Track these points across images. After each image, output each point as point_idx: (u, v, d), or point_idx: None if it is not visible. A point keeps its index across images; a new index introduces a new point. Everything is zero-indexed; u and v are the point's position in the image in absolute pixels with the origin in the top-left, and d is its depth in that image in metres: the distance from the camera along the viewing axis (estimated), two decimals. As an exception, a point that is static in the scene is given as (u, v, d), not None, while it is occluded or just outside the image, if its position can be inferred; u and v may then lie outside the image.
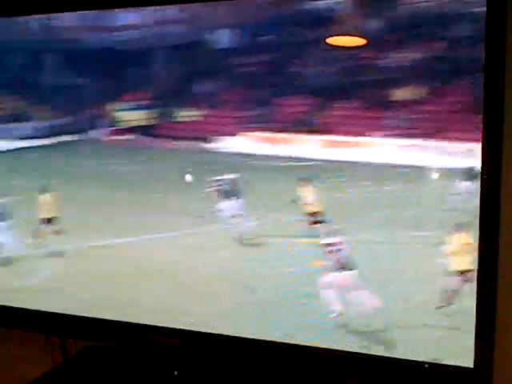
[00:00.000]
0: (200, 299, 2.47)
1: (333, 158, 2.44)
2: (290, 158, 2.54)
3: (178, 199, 2.62)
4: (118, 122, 2.75)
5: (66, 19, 2.67)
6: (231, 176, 2.50)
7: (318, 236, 2.34)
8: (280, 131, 2.55)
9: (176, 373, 2.50)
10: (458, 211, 2.13)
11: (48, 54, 2.79)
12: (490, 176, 1.99)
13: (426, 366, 2.14)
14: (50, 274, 2.74)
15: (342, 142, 2.47)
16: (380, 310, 2.22)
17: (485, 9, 1.96)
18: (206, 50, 2.55)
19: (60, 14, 2.63)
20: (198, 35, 2.56)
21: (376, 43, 2.24)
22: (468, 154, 2.05)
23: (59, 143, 2.90)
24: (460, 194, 2.12)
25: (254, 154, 2.61)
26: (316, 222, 2.40)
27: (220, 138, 2.66)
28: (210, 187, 2.53)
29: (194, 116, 2.61)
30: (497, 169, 2.00)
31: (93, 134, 2.80)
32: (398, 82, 2.25)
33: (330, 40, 2.28)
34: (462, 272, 2.08)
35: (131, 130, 2.76)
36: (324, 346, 2.26)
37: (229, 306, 2.44)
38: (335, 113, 2.47)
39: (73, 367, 2.79)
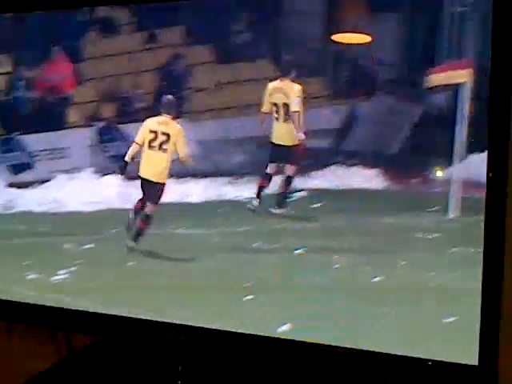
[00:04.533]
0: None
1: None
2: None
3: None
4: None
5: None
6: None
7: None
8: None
9: (180, 368, 2.51)
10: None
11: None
12: (495, 174, 1.98)
13: (430, 363, 2.13)
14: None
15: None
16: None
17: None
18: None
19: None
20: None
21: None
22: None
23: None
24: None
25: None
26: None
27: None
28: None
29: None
30: (503, 167, 1.98)
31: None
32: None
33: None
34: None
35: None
36: (326, 343, 2.26)
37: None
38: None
39: (77, 362, 2.80)
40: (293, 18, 2.57)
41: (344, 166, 2.57)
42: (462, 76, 2.18)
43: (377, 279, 2.30)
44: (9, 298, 2.74)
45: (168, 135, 2.63)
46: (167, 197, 2.65)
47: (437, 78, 2.23)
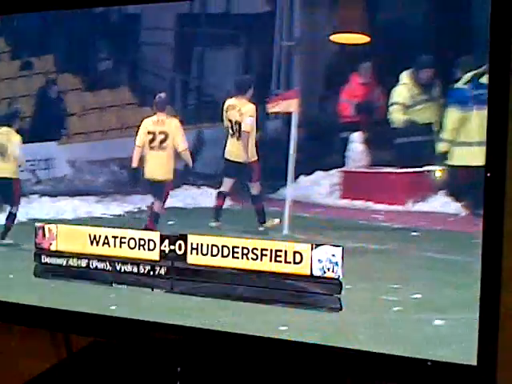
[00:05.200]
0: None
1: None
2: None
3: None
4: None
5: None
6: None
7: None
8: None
9: (179, 369, 2.51)
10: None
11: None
12: (493, 174, 1.98)
13: (429, 363, 2.13)
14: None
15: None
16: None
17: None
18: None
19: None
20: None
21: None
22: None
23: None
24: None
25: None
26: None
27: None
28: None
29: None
30: (501, 166, 1.98)
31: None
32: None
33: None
34: None
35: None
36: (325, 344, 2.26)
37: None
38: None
39: (77, 363, 2.80)
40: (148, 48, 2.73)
41: (194, 187, 2.70)
42: (291, 105, 2.47)
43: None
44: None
45: (165, 133, 2.64)
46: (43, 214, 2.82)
47: (272, 107, 2.50)
